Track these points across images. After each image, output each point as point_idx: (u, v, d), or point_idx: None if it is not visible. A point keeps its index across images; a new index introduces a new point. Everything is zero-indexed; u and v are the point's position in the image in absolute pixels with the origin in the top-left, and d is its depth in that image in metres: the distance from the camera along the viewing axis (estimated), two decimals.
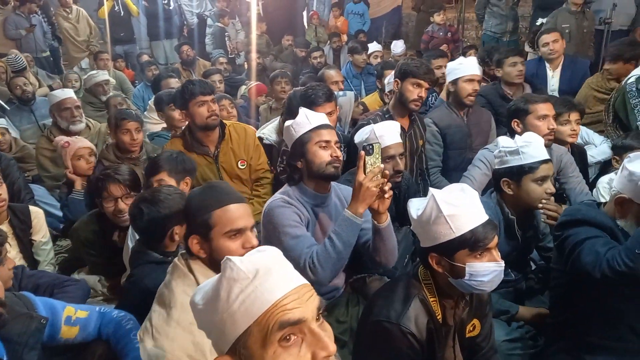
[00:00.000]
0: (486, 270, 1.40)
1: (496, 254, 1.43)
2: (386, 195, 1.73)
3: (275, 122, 3.30)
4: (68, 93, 3.60)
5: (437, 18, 6.50)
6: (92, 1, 7.76)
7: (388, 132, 2.27)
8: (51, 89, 5.00)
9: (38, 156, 3.52)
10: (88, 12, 7.35)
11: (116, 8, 6.97)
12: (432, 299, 1.49)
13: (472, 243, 1.38)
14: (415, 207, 1.49)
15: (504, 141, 2.06)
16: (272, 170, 3.00)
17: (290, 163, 1.99)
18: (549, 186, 1.98)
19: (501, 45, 5.55)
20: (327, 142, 1.90)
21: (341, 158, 1.95)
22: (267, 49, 7.79)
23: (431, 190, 1.45)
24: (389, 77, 3.47)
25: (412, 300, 1.46)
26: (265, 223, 1.94)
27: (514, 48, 3.66)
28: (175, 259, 1.43)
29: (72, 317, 1.64)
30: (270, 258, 0.85)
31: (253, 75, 5.72)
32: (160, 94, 3.73)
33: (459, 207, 1.39)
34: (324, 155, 1.89)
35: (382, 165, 1.77)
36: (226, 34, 7.39)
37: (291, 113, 3.11)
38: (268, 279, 0.81)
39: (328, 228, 1.98)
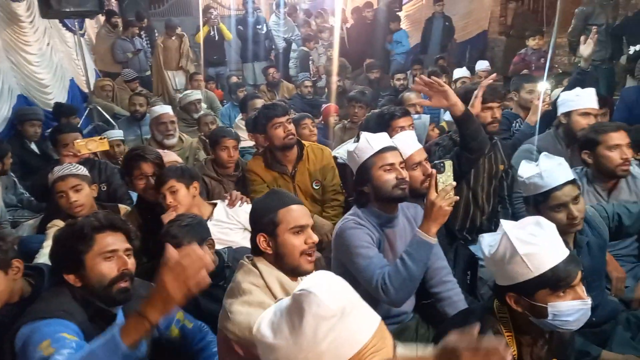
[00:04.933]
0: (570, 310, 1.32)
1: (581, 291, 1.34)
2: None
3: (350, 142, 3.35)
4: (166, 109, 3.90)
5: (532, 42, 6.27)
6: (191, 27, 8.44)
7: (407, 141, 2.17)
8: None
9: None
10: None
11: (211, 33, 7.45)
12: (507, 334, 1.43)
13: (553, 282, 1.30)
14: (488, 243, 1.41)
15: (523, 171, 1.98)
16: (343, 193, 3.05)
17: (357, 188, 2.02)
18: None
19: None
20: (392, 164, 1.91)
21: (407, 179, 1.94)
22: (344, 72, 7.91)
23: (503, 225, 1.38)
24: None
25: (485, 335, 1.41)
26: (337, 244, 1.97)
27: None
28: (241, 260, 1.59)
29: (181, 322, 1.78)
30: (348, 292, 0.83)
31: (333, 97, 5.89)
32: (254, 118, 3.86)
33: (536, 245, 1.31)
34: (390, 178, 1.90)
35: (454, 183, 1.75)
36: (310, 57, 7.64)
37: None
38: (355, 317, 0.79)
39: (397, 248, 1.98)
